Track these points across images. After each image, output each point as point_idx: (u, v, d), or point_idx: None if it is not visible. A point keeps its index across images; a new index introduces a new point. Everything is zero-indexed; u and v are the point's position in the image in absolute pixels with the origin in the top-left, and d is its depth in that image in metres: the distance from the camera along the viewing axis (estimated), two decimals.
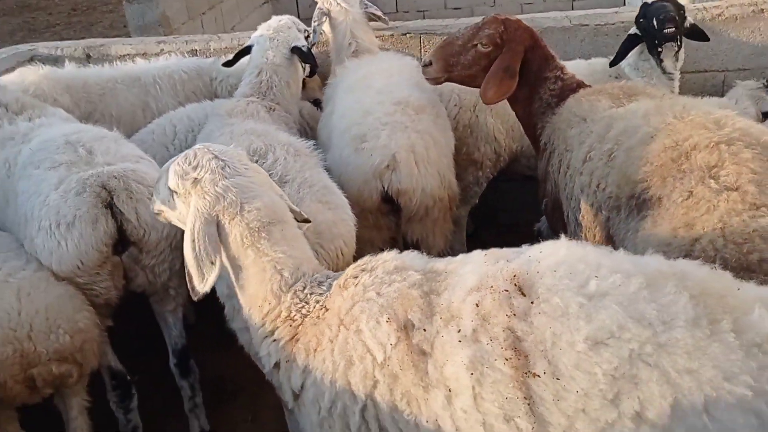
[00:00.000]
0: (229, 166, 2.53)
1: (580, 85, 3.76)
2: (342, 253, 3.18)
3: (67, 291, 3.20)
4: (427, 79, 4.01)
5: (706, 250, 2.59)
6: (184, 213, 2.54)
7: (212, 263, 2.40)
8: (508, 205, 5.78)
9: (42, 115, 3.97)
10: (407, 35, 5.43)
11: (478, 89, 3.88)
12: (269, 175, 3.25)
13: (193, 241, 2.40)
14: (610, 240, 3.11)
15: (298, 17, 11.19)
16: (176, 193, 2.53)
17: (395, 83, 4.07)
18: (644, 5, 4.45)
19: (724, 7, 5.16)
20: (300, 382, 2.40)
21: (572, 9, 10.00)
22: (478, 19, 4.93)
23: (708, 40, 4.56)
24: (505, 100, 3.93)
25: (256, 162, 3.34)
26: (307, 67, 4.65)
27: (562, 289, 2.06)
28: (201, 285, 2.41)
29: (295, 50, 4.51)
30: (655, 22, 4.26)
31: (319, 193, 3.29)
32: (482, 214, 5.78)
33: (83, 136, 3.54)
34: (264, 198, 2.53)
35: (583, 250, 2.21)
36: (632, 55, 4.61)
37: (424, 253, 2.52)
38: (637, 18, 4.44)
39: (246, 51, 4.51)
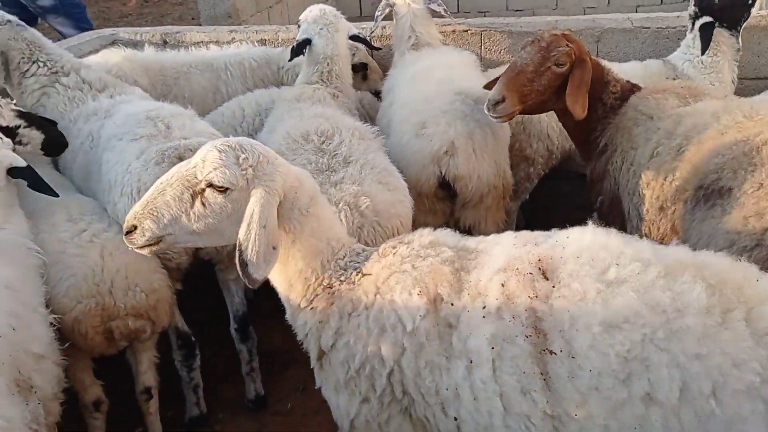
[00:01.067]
0: (267, 152, 2.52)
1: (633, 84, 3.83)
2: (398, 233, 3.32)
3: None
4: (495, 117, 3.68)
5: None
6: (233, 209, 2.41)
7: (274, 248, 2.37)
8: (559, 202, 5.82)
9: (122, 93, 4.25)
10: (468, 32, 5.53)
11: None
12: (335, 155, 3.48)
13: (264, 227, 2.32)
14: (675, 231, 3.22)
15: (360, 14, 11.43)
16: (230, 190, 2.38)
17: (456, 75, 4.20)
18: None
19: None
20: (331, 342, 2.52)
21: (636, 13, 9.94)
22: (539, 19, 5.04)
23: None
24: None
25: (323, 143, 3.56)
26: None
27: (582, 276, 2.20)
28: (264, 271, 2.34)
29: (355, 38, 4.68)
30: None
31: (380, 174, 3.45)
32: (533, 211, 5.86)
33: (162, 112, 3.79)
34: (304, 174, 2.62)
35: (606, 238, 2.32)
36: (696, 56, 4.65)
37: None
38: (710, 3, 4.42)
39: (306, 43, 4.52)
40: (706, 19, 4.49)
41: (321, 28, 4.47)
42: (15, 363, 2.64)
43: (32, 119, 3.79)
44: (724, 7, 4.41)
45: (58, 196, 3.39)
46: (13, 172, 3.23)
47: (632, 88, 3.80)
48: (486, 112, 3.68)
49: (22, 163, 3.31)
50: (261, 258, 2.32)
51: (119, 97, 4.19)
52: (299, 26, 4.64)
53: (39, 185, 3.34)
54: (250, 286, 2.37)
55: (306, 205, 2.50)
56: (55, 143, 3.83)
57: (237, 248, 2.35)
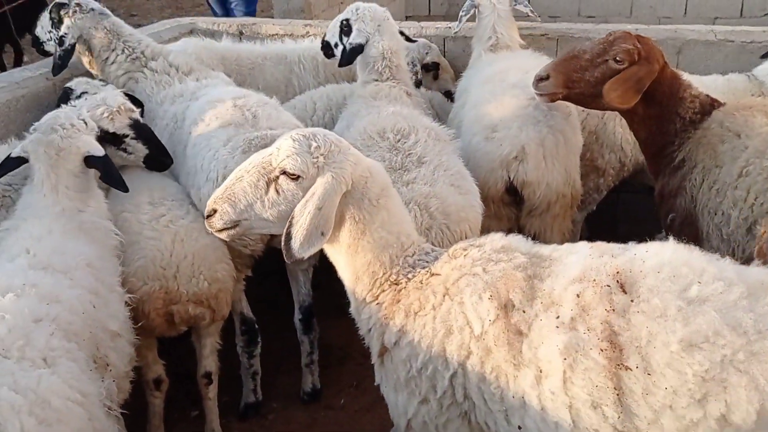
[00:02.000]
0: (341, 141, 2.55)
1: (713, 99, 3.71)
2: (466, 237, 3.28)
3: (213, 242, 3.50)
4: (539, 95, 3.70)
5: None
6: (299, 197, 2.45)
7: (323, 234, 2.40)
8: (628, 216, 5.71)
9: (207, 77, 4.35)
10: (544, 36, 5.46)
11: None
12: (409, 154, 3.47)
13: (319, 209, 2.36)
14: (761, 254, 3.10)
15: (429, 13, 11.40)
16: (302, 178, 2.43)
17: (530, 79, 4.15)
18: None
19: None
20: (395, 339, 2.51)
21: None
22: (618, 26, 4.92)
23: None
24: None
25: (398, 141, 3.56)
26: None
27: (663, 291, 2.14)
28: (304, 251, 2.38)
29: (403, 35, 4.63)
30: None
31: (452, 177, 3.43)
32: (601, 223, 5.75)
33: (249, 100, 3.83)
34: (377, 165, 2.62)
35: (689, 254, 2.26)
36: None
37: None
38: None
39: (359, 49, 4.34)
40: None
41: (379, 25, 4.33)
42: (94, 340, 2.72)
43: (142, 132, 3.79)
44: None
45: (128, 190, 3.43)
46: (89, 160, 3.27)
47: (713, 103, 3.67)
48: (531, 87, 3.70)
49: (100, 152, 3.33)
50: (306, 237, 2.37)
51: (205, 81, 4.29)
52: (345, 27, 4.43)
53: (111, 178, 3.36)
54: (287, 260, 2.43)
55: (376, 195, 2.51)
56: (156, 160, 3.85)
57: (288, 220, 2.41)
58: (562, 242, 4.02)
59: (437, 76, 5.54)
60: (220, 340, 3.82)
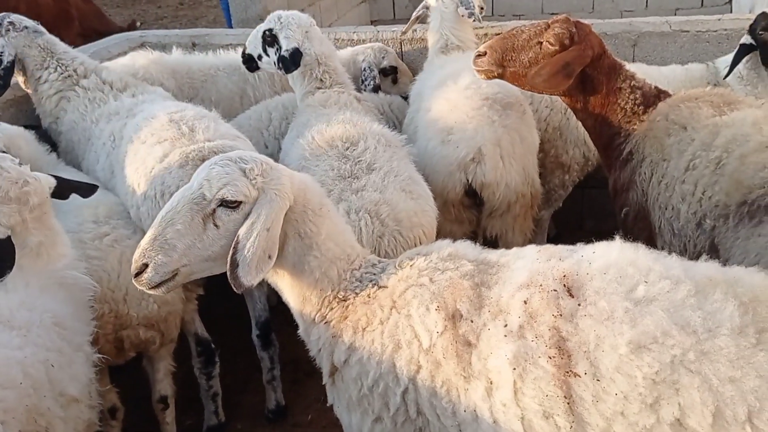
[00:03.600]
0: (267, 159, 2.45)
1: (660, 90, 3.66)
2: (420, 243, 3.21)
3: None
4: (477, 71, 3.64)
5: None
6: (237, 226, 2.32)
7: (270, 257, 2.30)
8: (594, 211, 5.69)
9: (144, 92, 4.23)
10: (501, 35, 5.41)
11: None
12: (358, 161, 3.38)
13: (267, 229, 2.26)
14: (714, 249, 3.06)
15: (394, 17, 11.37)
16: (244, 203, 2.31)
17: (483, 80, 4.08)
18: (764, 15, 4.25)
19: None
20: (344, 357, 2.43)
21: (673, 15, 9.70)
22: None
23: None
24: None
25: (347, 149, 3.47)
26: None
27: (610, 293, 2.09)
28: (254, 278, 2.25)
29: None
30: None
31: (403, 182, 3.34)
32: (567, 219, 5.71)
33: (185, 114, 3.73)
34: (308, 177, 2.55)
35: (635, 254, 2.21)
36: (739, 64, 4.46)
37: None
38: (756, 29, 4.24)
39: (299, 52, 4.17)
40: (748, 39, 4.30)
41: (306, 31, 4.23)
42: (31, 413, 2.43)
43: None
44: (764, 42, 4.21)
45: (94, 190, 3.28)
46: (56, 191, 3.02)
47: (658, 94, 3.62)
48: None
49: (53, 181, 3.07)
50: (255, 262, 2.24)
51: (141, 96, 4.17)
52: (268, 38, 4.29)
53: (85, 190, 3.20)
54: (235, 290, 2.27)
55: (318, 205, 2.45)
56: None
57: (232, 246, 2.27)
58: (524, 242, 4.03)
59: (396, 80, 5.48)
60: (180, 360, 3.72)
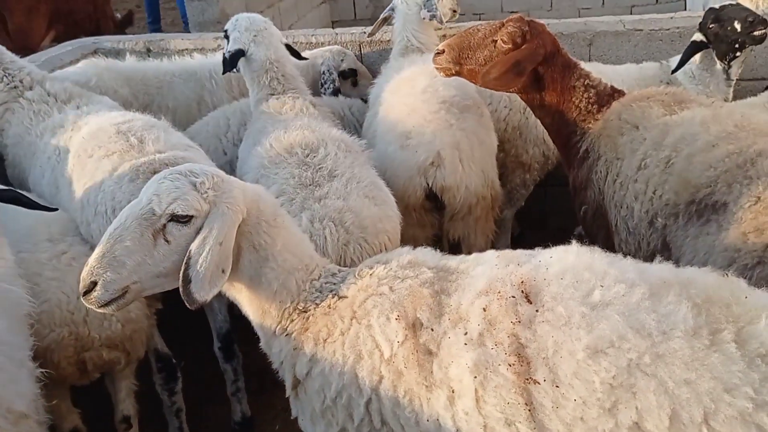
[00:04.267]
0: (218, 171, 2.43)
1: (617, 90, 3.70)
2: (385, 249, 3.19)
3: None
4: (436, 68, 3.73)
5: None
6: (189, 241, 2.27)
7: (223, 272, 2.27)
8: (556, 209, 5.73)
9: (89, 103, 4.10)
10: (458, 33, 5.42)
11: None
12: (319, 169, 3.34)
13: (220, 243, 2.23)
14: (666, 247, 3.09)
15: (355, 17, 11.33)
16: (195, 217, 2.27)
17: (440, 83, 4.05)
18: (712, 10, 4.31)
19: None
20: (306, 370, 2.41)
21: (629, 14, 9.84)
22: None
23: None
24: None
25: (307, 156, 3.43)
26: None
27: (566, 299, 2.09)
28: (207, 294, 2.22)
29: (290, 49, 4.50)
30: (738, 25, 4.11)
31: (366, 188, 3.31)
32: (531, 218, 5.75)
33: (134, 125, 3.62)
34: (261, 188, 2.52)
35: (591, 258, 2.22)
36: (691, 63, 4.51)
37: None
38: (705, 24, 4.30)
39: (239, 54, 4.23)
40: (698, 36, 4.36)
41: (255, 35, 4.23)
42: None
43: None
44: (715, 36, 4.27)
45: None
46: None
47: (613, 93, 3.66)
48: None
49: None
50: (207, 277, 2.20)
51: (86, 108, 4.05)
52: (226, 37, 4.36)
53: (32, 203, 3.05)
54: (189, 306, 2.22)
55: (272, 215, 2.42)
56: None
57: (184, 262, 2.23)
58: (486, 244, 4.05)
59: (356, 83, 5.45)
60: (143, 373, 3.62)
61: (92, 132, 3.64)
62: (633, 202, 3.26)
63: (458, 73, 3.72)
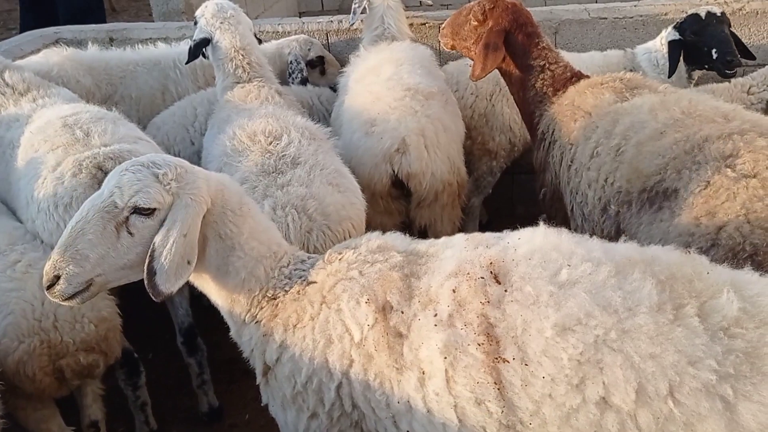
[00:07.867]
0: (182, 162, 2.41)
1: (577, 74, 3.72)
2: (349, 236, 3.18)
3: None
4: (441, 40, 4.17)
5: (733, 236, 2.60)
6: (153, 233, 2.26)
7: (189, 263, 2.25)
8: (524, 196, 5.78)
9: (46, 96, 3.98)
10: (426, 25, 5.45)
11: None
12: (282, 156, 3.32)
13: (184, 235, 2.22)
14: (620, 234, 3.12)
15: (322, 8, 11.23)
16: (158, 210, 2.25)
17: (405, 71, 4.08)
18: (696, 19, 4.35)
19: (745, 2, 5.10)
20: (276, 356, 2.41)
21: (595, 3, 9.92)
22: None
23: (755, 58, 4.46)
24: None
25: (270, 144, 3.40)
26: None
27: (535, 278, 2.12)
28: (172, 285, 2.21)
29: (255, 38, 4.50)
30: (715, 55, 4.24)
31: (330, 175, 3.30)
32: (498, 205, 5.78)
33: (81, 117, 3.52)
34: (226, 177, 2.51)
35: (558, 238, 2.25)
36: (656, 52, 4.57)
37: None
38: (685, 30, 4.36)
39: (204, 43, 4.24)
40: (675, 35, 4.41)
41: (221, 22, 4.20)
42: None
43: None
44: (690, 45, 4.36)
45: None
46: None
47: (571, 78, 3.68)
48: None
49: None
50: (173, 269, 2.19)
51: (41, 101, 3.94)
52: (196, 24, 4.34)
53: None
54: (154, 299, 2.21)
55: (238, 204, 2.41)
56: None
57: (149, 254, 2.21)
58: (453, 231, 4.06)
59: (324, 72, 5.44)
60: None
61: (39, 126, 3.55)
62: (587, 189, 3.29)
63: (453, 48, 4.11)
